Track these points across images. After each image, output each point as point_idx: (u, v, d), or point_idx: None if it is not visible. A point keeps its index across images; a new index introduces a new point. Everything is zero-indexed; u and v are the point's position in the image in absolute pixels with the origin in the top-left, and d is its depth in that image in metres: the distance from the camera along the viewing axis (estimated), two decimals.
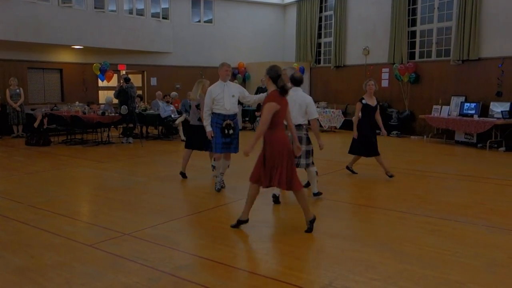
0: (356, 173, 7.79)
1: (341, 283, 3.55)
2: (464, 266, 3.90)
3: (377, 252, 4.22)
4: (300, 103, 5.85)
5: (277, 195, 5.85)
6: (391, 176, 7.38)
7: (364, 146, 7.41)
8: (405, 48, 14.04)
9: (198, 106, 7.21)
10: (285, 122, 4.83)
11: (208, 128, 6.29)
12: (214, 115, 6.30)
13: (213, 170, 7.39)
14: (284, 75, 5.83)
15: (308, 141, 5.99)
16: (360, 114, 7.38)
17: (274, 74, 4.56)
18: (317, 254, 4.29)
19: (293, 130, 4.99)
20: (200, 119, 7.16)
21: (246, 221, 4.85)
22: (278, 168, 4.54)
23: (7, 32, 12.60)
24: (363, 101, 7.32)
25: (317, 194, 6.10)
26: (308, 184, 6.40)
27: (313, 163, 6.07)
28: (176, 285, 3.52)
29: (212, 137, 6.35)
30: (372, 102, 7.35)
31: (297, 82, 5.99)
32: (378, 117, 7.51)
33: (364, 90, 7.46)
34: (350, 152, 7.65)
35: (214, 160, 6.73)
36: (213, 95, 6.25)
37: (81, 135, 12.13)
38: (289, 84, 5.34)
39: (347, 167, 7.87)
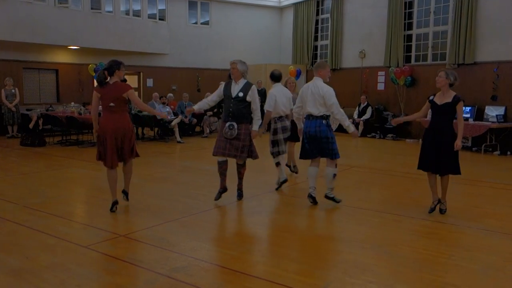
0: (444, 212, 5.61)
1: (337, 285, 3.55)
2: (460, 269, 3.92)
3: (373, 254, 4.23)
4: (288, 96, 6.88)
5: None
6: (440, 210, 5.61)
7: (423, 158, 5.59)
8: (401, 51, 14.09)
9: None
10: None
11: (353, 128, 5.83)
12: (328, 117, 5.77)
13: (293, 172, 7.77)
14: (233, 68, 5.72)
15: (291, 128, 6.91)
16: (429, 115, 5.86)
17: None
18: (313, 257, 4.29)
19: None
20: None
21: (116, 201, 5.53)
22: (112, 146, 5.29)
23: (2, 32, 12.54)
24: (430, 98, 5.62)
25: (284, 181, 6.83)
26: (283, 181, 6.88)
27: (279, 152, 6.84)
28: (172, 287, 3.51)
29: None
30: (441, 99, 5.46)
31: (276, 77, 6.94)
32: (459, 121, 5.47)
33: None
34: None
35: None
36: None
37: (76, 136, 12.09)
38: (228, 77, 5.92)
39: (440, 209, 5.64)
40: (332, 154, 5.76)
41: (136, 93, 15.71)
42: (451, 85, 5.40)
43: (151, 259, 4.06)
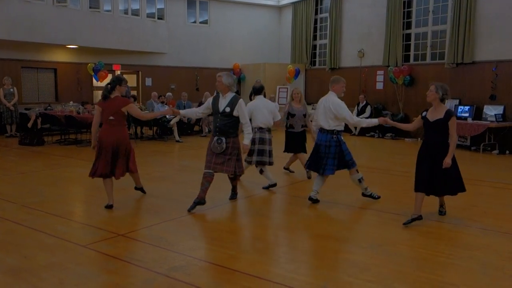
0: (443, 214, 5.56)
1: (335, 285, 3.55)
2: (458, 268, 3.92)
3: (372, 254, 4.23)
4: (270, 109, 6.87)
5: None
6: (440, 212, 5.55)
7: (417, 179, 5.17)
8: (400, 50, 14.09)
9: (305, 115, 7.57)
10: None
11: (375, 120, 6.11)
12: (339, 132, 5.88)
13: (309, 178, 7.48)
14: (218, 82, 5.53)
15: (270, 142, 6.89)
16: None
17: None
18: (312, 256, 4.29)
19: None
20: (303, 126, 7.64)
21: (111, 205, 5.65)
22: (119, 159, 5.60)
23: (0, 31, 12.50)
24: (423, 114, 5.23)
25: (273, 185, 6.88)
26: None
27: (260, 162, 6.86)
28: (171, 286, 3.51)
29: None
30: (433, 115, 5.08)
31: (256, 90, 7.00)
32: (451, 138, 5.02)
33: None
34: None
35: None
36: None
37: (75, 135, 12.07)
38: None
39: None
40: (345, 165, 5.94)
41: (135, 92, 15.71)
42: (443, 100, 5.05)
43: (149, 258, 4.05)
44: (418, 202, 5.12)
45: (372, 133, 14.26)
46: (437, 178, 5.04)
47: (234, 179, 6.08)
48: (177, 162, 9.92)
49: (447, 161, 4.93)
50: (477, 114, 11.76)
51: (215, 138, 5.57)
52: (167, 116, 12.47)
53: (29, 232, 4.76)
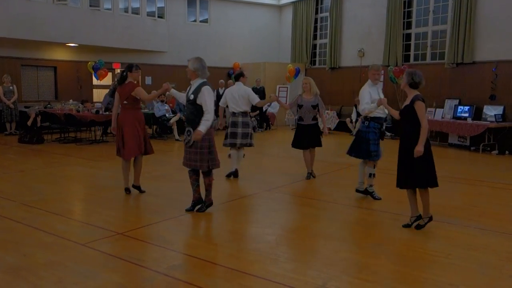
0: (421, 227, 4.98)
1: (335, 284, 3.55)
2: (457, 268, 3.92)
3: (371, 253, 4.23)
4: (241, 94, 7.10)
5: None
6: (417, 225, 5.00)
7: (397, 174, 5.08)
8: (400, 50, 14.09)
9: (315, 107, 7.31)
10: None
11: (374, 105, 5.90)
12: (373, 119, 5.99)
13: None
14: (187, 67, 5.45)
15: (244, 125, 7.17)
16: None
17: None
18: (311, 255, 4.29)
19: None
20: (314, 119, 7.40)
21: (128, 189, 6.26)
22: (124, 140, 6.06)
23: (0, 29, 12.50)
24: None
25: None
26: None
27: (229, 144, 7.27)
28: (170, 285, 3.51)
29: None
30: (405, 102, 5.01)
31: (235, 76, 7.43)
32: (421, 127, 4.72)
33: None
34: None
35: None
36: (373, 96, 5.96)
37: (74, 134, 12.07)
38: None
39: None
40: (367, 155, 6.09)
41: None
42: (413, 86, 4.84)
43: (148, 257, 4.05)
44: (412, 201, 4.98)
45: None
46: (407, 170, 4.80)
47: (208, 174, 5.45)
48: (176, 161, 9.88)
49: (418, 149, 4.63)
50: (477, 114, 11.77)
51: (186, 129, 5.33)
52: (167, 115, 12.50)
53: (28, 230, 4.75)
